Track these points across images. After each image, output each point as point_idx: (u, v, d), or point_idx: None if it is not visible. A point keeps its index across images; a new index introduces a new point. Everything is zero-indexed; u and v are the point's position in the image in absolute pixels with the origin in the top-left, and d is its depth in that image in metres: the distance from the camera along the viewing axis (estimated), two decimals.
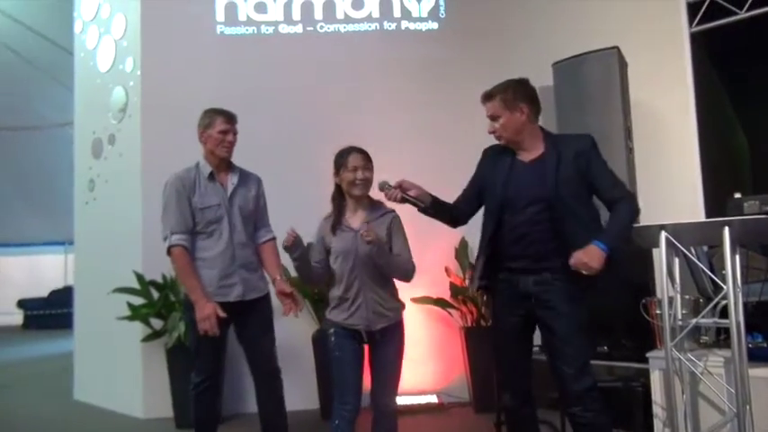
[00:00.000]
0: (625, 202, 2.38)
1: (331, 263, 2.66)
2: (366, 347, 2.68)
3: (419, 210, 2.54)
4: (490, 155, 2.60)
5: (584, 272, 2.24)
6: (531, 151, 2.46)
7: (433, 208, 2.56)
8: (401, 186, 2.49)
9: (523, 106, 2.41)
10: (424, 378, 4.47)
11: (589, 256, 2.23)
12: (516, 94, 2.42)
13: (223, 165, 3.01)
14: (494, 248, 2.47)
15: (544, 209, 2.35)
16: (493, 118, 2.44)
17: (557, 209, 2.33)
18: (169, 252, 2.87)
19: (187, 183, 2.91)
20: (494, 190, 2.47)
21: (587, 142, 2.43)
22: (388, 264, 2.60)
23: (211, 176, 2.96)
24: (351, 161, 2.59)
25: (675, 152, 4.28)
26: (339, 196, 2.67)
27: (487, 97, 2.46)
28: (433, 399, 4.34)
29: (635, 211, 2.41)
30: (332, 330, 2.65)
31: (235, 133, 3.00)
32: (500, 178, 2.44)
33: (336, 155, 2.66)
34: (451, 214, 2.63)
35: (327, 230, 2.66)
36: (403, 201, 2.47)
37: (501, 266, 2.47)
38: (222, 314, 2.78)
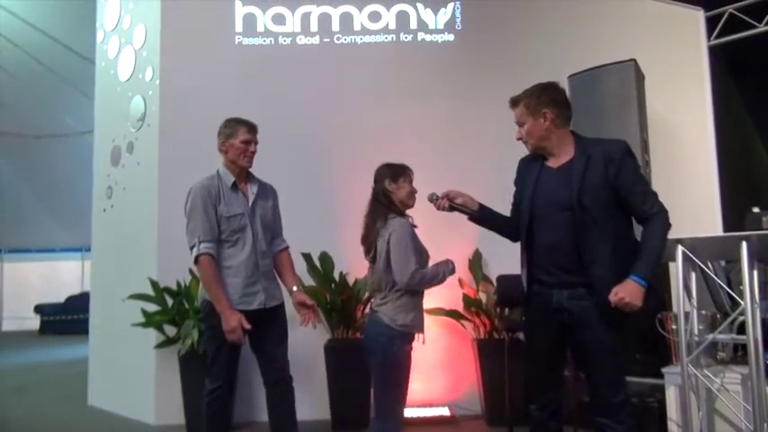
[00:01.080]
0: (656, 220, 2.27)
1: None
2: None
3: (468, 218, 2.54)
4: (522, 165, 2.54)
5: (625, 310, 2.18)
6: (561, 157, 2.38)
7: (482, 214, 2.54)
8: (448, 196, 2.52)
9: (547, 111, 2.34)
10: (436, 390, 4.45)
11: (630, 294, 2.16)
12: (540, 99, 2.36)
13: (243, 174, 3.05)
14: (529, 261, 2.42)
15: (572, 217, 2.27)
16: (519, 124, 2.41)
17: (578, 217, 2.25)
18: (197, 260, 2.88)
19: (212, 191, 2.93)
20: (524, 200, 2.42)
21: (619, 148, 2.33)
22: None
23: (234, 186, 2.99)
24: (411, 174, 2.79)
25: (693, 166, 4.24)
26: (391, 204, 2.76)
27: (514, 103, 2.43)
28: (445, 411, 4.31)
29: (667, 229, 2.30)
30: (411, 344, 2.67)
31: (256, 143, 3.04)
32: (529, 187, 2.39)
33: (391, 165, 2.80)
34: (509, 227, 2.55)
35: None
36: (451, 209, 2.51)
37: (534, 278, 2.41)
38: (247, 326, 2.80)
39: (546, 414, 2.43)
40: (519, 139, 2.43)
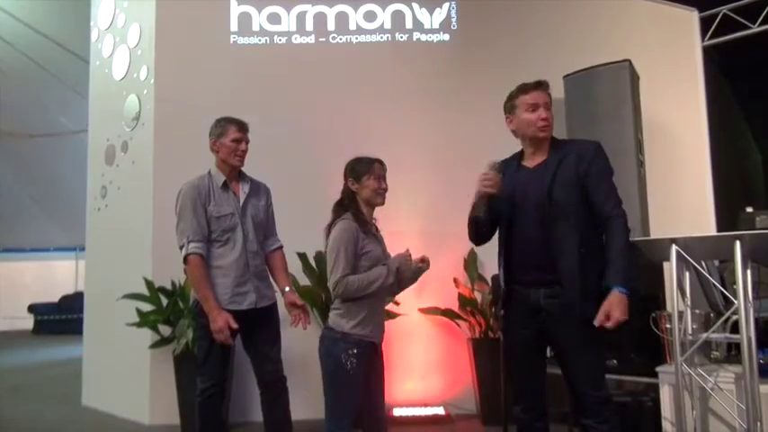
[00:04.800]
0: (617, 223, 2.29)
1: (361, 267, 2.49)
2: None
3: (477, 218, 2.44)
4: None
5: (610, 326, 2.18)
6: (537, 157, 2.43)
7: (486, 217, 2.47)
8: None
9: None
10: (431, 389, 4.45)
11: (618, 308, 2.18)
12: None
13: (234, 174, 3.04)
14: (507, 261, 2.44)
15: (542, 213, 2.31)
16: (546, 107, 2.39)
17: (547, 211, 2.28)
18: (186, 260, 2.88)
19: (202, 191, 2.93)
20: (502, 201, 2.43)
21: (591, 147, 2.39)
22: (413, 282, 2.66)
23: (225, 185, 2.99)
24: (377, 170, 2.58)
25: (687, 165, 4.26)
26: (353, 203, 2.59)
27: (545, 86, 2.42)
28: (440, 410, 4.32)
29: (628, 233, 2.32)
30: (354, 350, 2.43)
31: (247, 142, 3.04)
32: (507, 188, 2.40)
33: (356, 162, 2.61)
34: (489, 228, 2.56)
35: (359, 232, 2.50)
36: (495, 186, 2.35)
37: (513, 279, 2.43)
38: (234, 325, 2.80)
39: (531, 415, 2.45)
40: (545, 119, 2.37)
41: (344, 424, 2.46)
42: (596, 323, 2.20)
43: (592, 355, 2.32)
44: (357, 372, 2.44)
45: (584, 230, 2.31)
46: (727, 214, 4.06)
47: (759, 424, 2.73)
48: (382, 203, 2.62)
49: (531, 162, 2.45)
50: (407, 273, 2.59)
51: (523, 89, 2.42)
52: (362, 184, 2.57)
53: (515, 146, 2.57)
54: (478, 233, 2.53)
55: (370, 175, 2.56)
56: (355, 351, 2.44)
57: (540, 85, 2.42)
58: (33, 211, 12.01)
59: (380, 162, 2.63)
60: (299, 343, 3.58)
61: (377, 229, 2.69)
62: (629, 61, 4.04)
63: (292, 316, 3.00)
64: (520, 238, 2.38)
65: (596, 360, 2.35)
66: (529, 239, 2.35)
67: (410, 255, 2.52)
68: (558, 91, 4.31)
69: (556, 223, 2.29)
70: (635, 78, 4.10)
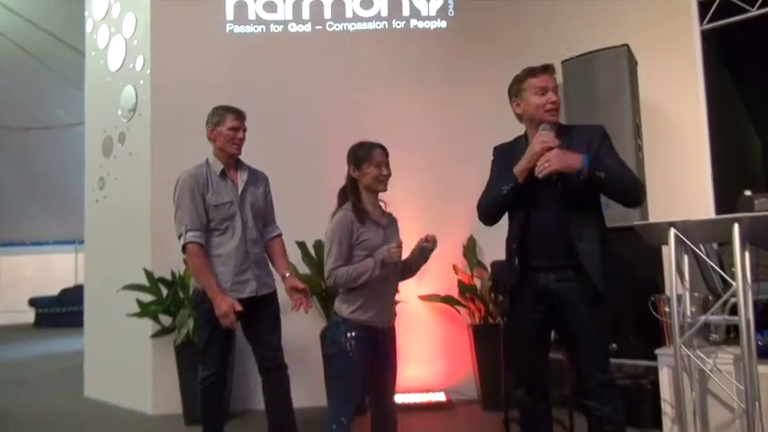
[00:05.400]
0: (632, 172, 2.34)
1: (357, 256, 2.50)
2: None
3: (519, 187, 2.34)
4: (500, 153, 2.55)
5: (544, 165, 2.19)
6: None
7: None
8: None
9: None
10: (432, 376, 4.47)
11: (561, 158, 2.19)
12: None
13: (232, 162, 3.04)
14: (520, 246, 2.40)
15: (556, 197, 2.30)
16: (555, 91, 2.38)
17: (563, 195, 2.29)
18: (184, 249, 2.88)
19: (200, 179, 2.93)
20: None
21: (598, 132, 2.39)
22: (422, 264, 2.62)
23: (223, 174, 2.98)
24: (376, 156, 2.53)
25: (685, 150, 4.25)
26: (354, 190, 2.58)
27: (551, 69, 2.42)
28: (441, 396, 4.34)
29: (638, 185, 2.33)
30: (352, 334, 2.46)
31: (244, 130, 3.03)
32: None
33: (356, 149, 2.58)
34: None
35: (355, 221, 2.49)
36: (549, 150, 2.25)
37: (524, 264, 2.40)
38: (239, 308, 2.81)
39: (534, 398, 2.47)
40: (554, 102, 2.36)
41: (347, 408, 2.47)
42: (537, 170, 2.21)
43: (598, 338, 2.34)
44: (358, 356, 2.45)
45: (597, 214, 2.35)
46: (726, 198, 4.05)
47: (757, 404, 2.75)
48: (384, 190, 2.59)
49: None
50: (414, 257, 2.58)
51: (531, 72, 2.40)
52: (363, 171, 2.54)
53: (514, 132, 2.56)
54: (503, 208, 2.44)
55: (371, 162, 2.53)
56: (354, 334, 2.46)
57: (548, 69, 2.41)
58: (32, 204, 12.00)
59: (381, 147, 2.59)
60: (300, 331, 3.61)
61: (383, 213, 2.64)
62: (627, 46, 4.02)
63: (293, 300, 2.99)
64: (535, 222, 2.37)
65: (602, 343, 2.37)
66: (544, 224, 2.34)
67: (397, 247, 2.45)
68: (557, 77, 4.29)
69: (571, 207, 2.29)
70: (633, 63, 4.09)
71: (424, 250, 2.55)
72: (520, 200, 2.38)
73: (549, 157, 2.20)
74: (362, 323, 2.48)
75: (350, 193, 2.57)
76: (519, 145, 2.45)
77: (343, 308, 2.52)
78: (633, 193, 2.32)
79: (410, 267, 2.62)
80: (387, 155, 2.59)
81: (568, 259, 2.30)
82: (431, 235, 2.53)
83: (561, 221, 2.30)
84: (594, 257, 2.27)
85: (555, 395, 3.50)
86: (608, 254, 2.32)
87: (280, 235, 3.18)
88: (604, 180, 2.19)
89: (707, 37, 4.51)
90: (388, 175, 2.57)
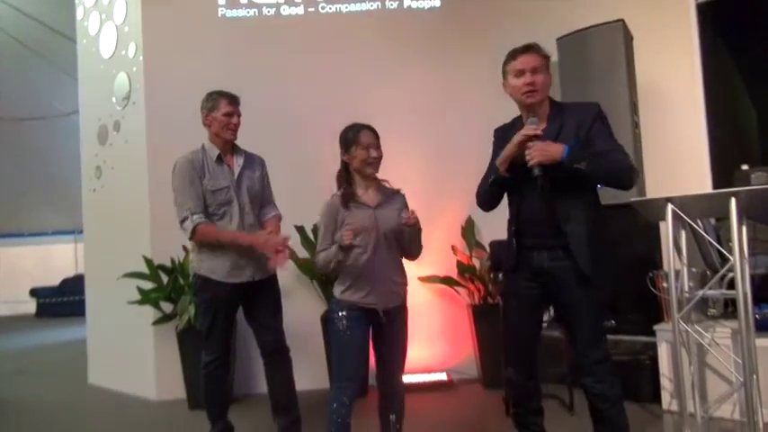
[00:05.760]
0: (621, 154, 2.28)
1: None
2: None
3: (502, 179, 2.37)
4: (500, 134, 2.54)
5: (528, 157, 2.21)
6: (540, 122, 2.39)
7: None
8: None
9: (550, 75, 2.41)
10: (433, 356, 4.50)
11: (541, 150, 2.19)
12: (549, 61, 2.42)
13: (228, 147, 3.04)
14: (517, 226, 2.42)
15: (548, 178, 2.28)
16: (534, 71, 2.34)
17: (556, 174, 2.27)
18: (194, 232, 2.87)
19: (197, 164, 2.93)
20: (515, 165, 2.37)
21: (591, 110, 2.36)
22: (416, 244, 2.61)
23: (219, 159, 2.98)
24: (363, 139, 2.52)
25: (682, 125, 4.24)
26: (346, 173, 2.59)
27: (534, 49, 2.38)
28: (443, 376, 4.38)
29: (626, 170, 2.28)
30: (343, 313, 2.51)
31: (239, 115, 3.02)
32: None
33: (345, 132, 2.58)
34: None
35: (339, 207, 2.54)
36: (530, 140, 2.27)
37: (519, 243, 2.43)
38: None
39: (524, 376, 2.50)
40: (530, 84, 2.33)
41: (347, 386, 2.49)
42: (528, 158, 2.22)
43: (592, 316, 2.35)
44: (351, 335, 2.49)
45: (586, 195, 2.34)
46: (723, 172, 4.05)
47: (755, 377, 2.78)
48: (373, 173, 2.57)
49: None
50: (403, 239, 2.57)
51: (512, 54, 2.40)
52: (351, 154, 2.54)
53: (509, 113, 2.54)
54: (495, 196, 2.48)
55: (358, 144, 2.52)
56: (345, 314, 2.50)
57: (529, 49, 2.38)
58: (29, 195, 11.99)
59: (370, 129, 2.57)
60: (302, 314, 3.63)
61: (384, 192, 2.61)
62: (623, 21, 3.99)
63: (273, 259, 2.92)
64: (526, 206, 2.39)
65: (596, 322, 2.38)
66: (534, 208, 2.36)
67: (347, 230, 2.44)
68: (551, 53, 4.24)
69: (561, 188, 2.28)
70: (628, 38, 4.06)
71: (409, 231, 2.54)
72: (512, 185, 2.40)
73: (531, 150, 2.22)
74: (354, 304, 2.51)
75: (340, 181, 2.59)
76: (514, 128, 2.44)
77: (336, 288, 2.58)
78: (620, 178, 2.30)
79: (403, 248, 2.62)
80: (377, 137, 2.57)
81: (558, 240, 2.31)
82: (409, 213, 2.51)
83: (549, 205, 2.31)
84: (581, 239, 2.28)
85: (554, 373, 3.55)
86: (597, 234, 2.31)
87: (276, 215, 3.15)
88: (585, 170, 2.19)
89: (702, 10, 4.47)
90: (378, 158, 2.55)
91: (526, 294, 2.43)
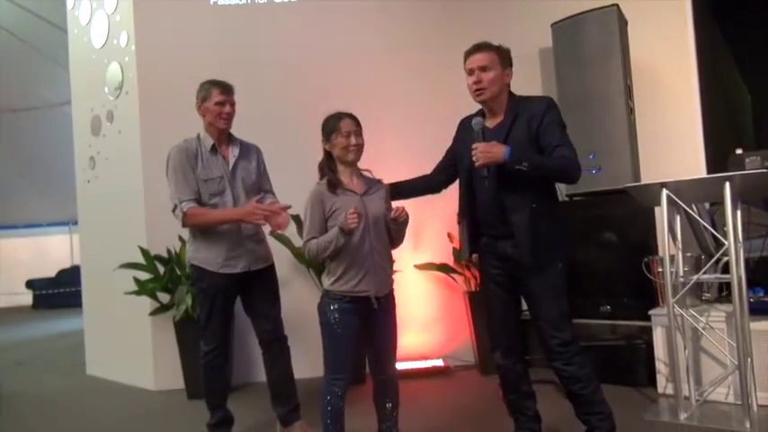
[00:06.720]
0: (558, 150, 2.33)
1: (332, 227, 2.48)
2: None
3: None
4: (459, 128, 2.68)
5: (476, 159, 2.30)
6: (497, 117, 2.49)
7: (399, 191, 2.69)
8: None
9: (509, 71, 2.49)
10: (430, 343, 4.53)
11: (485, 152, 2.28)
12: (508, 57, 2.48)
13: (223, 137, 3.02)
14: (473, 216, 2.55)
15: (500, 171, 2.37)
16: (482, 69, 2.42)
17: (502, 172, 2.35)
18: (185, 217, 2.85)
19: (190, 153, 2.91)
20: (462, 159, 2.51)
21: (543, 103, 2.43)
22: (402, 234, 2.61)
23: (213, 149, 2.96)
24: (344, 127, 2.51)
25: (677, 110, 4.24)
26: (329, 162, 2.58)
27: (483, 48, 2.46)
28: (439, 363, 4.41)
29: (568, 168, 2.34)
30: (335, 306, 2.48)
31: (232, 104, 3.00)
32: (468, 146, 2.42)
33: (326, 121, 2.57)
34: (426, 185, 2.78)
35: (326, 193, 2.51)
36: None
37: (481, 232, 2.55)
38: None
39: (510, 359, 2.57)
40: (477, 83, 2.42)
41: (337, 377, 2.50)
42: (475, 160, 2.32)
43: (552, 299, 2.41)
44: (342, 326, 2.48)
45: (537, 187, 2.40)
46: (718, 157, 4.06)
47: (749, 360, 2.81)
48: (354, 160, 2.55)
49: (491, 123, 2.51)
50: (392, 230, 2.58)
51: (464, 56, 2.50)
52: (332, 142, 2.53)
53: None
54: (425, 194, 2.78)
55: (338, 132, 2.50)
56: (337, 306, 2.48)
57: (478, 48, 2.47)
58: (23, 186, 11.94)
59: (350, 117, 2.55)
60: (299, 303, 3.63)
61: (366, 181, 2.60)
62: (617, 6, 3.98)
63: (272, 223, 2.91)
64: (482, 196, 2.48)
65: (557, 304, 2.42)
66: (490, 198, 2.44)
67: (352, 213, 2.38)
68: (546, 39, 4.26)
69: (510, 180, 2.35)
70: (623, 23, 4.05)
71: (397, 222, 2.53)
72: (462, 176, 2.56)
73: (475, 153, 2.31)
74: (345, 294, 2.49)
75: (325, 165, 2.58)
76: (465, 127, 2.57)
77: (325, 280, 2.55)
78: (563, 176, 2.45)
79: (392, 238, 2.62)
80: (358, 124, 2.55)
81: (509, 228, 2.40)
82: (398, 208, 2.51)
83: (497, 200, 2.41)
84: (522, 227, 2.36)
85: (539, 357, 3.56)
86: (544, 220, 2.38)
87: (274, 203, 3.14)
88: (527, 171, 2.27)
89: None
90: (359, 145, 2.53)
91: (500, 280, 2.53)
